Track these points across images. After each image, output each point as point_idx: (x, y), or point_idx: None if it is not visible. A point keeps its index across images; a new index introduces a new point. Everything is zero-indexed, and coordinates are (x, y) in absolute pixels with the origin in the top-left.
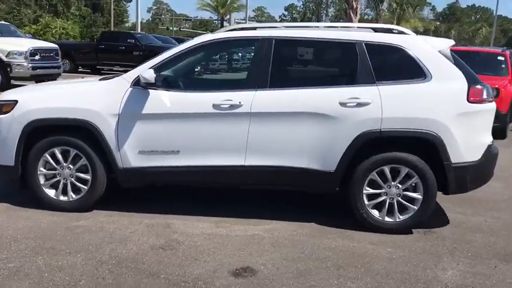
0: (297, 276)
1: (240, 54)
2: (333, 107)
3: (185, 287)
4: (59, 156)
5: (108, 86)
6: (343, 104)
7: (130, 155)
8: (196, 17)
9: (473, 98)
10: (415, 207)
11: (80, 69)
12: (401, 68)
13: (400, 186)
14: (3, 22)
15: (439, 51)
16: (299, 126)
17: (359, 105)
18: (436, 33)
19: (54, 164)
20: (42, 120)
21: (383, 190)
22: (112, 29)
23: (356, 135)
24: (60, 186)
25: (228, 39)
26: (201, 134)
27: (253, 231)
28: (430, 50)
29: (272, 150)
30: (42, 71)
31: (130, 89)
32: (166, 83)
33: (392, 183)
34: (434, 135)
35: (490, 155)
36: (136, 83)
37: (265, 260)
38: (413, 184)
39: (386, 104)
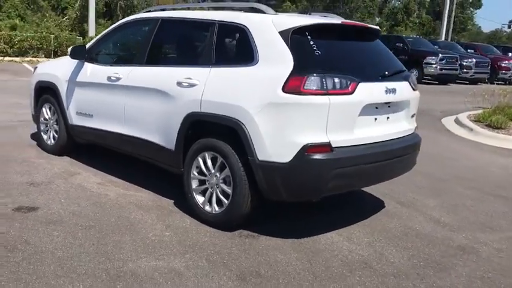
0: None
1: None
2: (171, 85)
3: None
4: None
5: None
6: (179, 84)
7: (73, 114)
8: None
9: (290, 87)
10: (226, 201)
11: None
12: (239, 49)
13: (218, 176)
14: None
15: (282, 31)
16: (149, 101)
17: (190, 85)
18: None
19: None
20: (40, 75)
21: (206, 177)
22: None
23: (184, 116)
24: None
25: (136, 20)
26: (102, 101)
27: (111, 192)
28: (269, 30)
29: (136, 122)
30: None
31: (77, 61)
32: (94, 58)
33: (212, 171)
34: (238, 124)
35: (308, 159)
36: None
37: (63, 210)
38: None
39: (208, 87)
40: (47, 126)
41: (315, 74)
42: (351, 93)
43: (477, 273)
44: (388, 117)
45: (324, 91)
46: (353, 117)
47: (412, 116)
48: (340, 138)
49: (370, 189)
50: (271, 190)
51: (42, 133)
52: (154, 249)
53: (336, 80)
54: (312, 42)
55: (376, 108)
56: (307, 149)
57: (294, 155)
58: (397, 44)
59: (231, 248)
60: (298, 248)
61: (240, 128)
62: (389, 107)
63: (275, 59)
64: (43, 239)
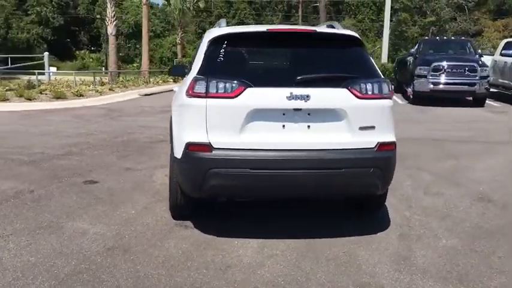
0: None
1: None
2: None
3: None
4: None
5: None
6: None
7: None
8: None
9: (187, 91)
10: None
11: None
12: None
13: None
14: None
15: (207, 41)
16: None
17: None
18: None
19: None
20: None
21: None
22: None
23: None
24: None
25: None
26: None
27: (159, 181)
28: (204, 42)
29: None
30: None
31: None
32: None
33: None
34: (171, 123)
35: (189, 156)
36: None
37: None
38: None
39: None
40: None
41: (200, 79)
42: (234, 97)
43: None
44: (308, 126)
45: (204, 94)
46: (238, 120)
47: (364, 129)
48: (223, 140)
49: (399, 214)
50: (179, 183)
51: None
52: (103, 219)
53: (220, 84)
54: (222, 50)
55: (284, 114)
56: (189, 146)
57: (182, 151)
58: None
59: (146, 231)
60: (199, 243)
61: (170, 126)
62: (309, 114)
63: (196, 67)
64: (63, 198)
